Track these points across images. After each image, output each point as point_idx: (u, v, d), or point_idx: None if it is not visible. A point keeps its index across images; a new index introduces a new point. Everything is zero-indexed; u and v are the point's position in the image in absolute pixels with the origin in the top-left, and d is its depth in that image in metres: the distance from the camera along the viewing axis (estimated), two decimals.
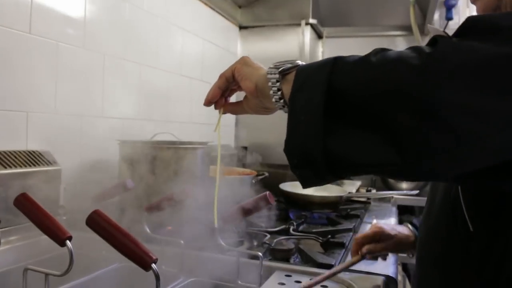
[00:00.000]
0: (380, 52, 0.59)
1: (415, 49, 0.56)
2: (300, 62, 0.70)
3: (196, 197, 1.19)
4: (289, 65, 0.70)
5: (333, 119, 0.59)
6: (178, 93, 2.20)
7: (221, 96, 0.86)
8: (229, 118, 2.83)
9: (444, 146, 0.53)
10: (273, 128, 2.80)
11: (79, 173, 1.50)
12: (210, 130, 2.52)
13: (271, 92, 0.71)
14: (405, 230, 1.20)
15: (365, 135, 0.58)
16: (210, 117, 2.51)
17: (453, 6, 2.98)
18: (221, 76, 0.84)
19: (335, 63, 0.61)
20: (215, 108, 0.89)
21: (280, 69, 0.70)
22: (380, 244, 1.15)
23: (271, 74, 0.71)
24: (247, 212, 1.05)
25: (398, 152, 0.55)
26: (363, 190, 2.43)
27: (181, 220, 1.25)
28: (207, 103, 0.88)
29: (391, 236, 1.15)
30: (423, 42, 2.94)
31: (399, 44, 3.07)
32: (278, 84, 0.70)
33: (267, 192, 1.03)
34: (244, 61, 0.81)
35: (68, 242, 0.77)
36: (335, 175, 0.63)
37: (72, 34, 1.51)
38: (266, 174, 1.94)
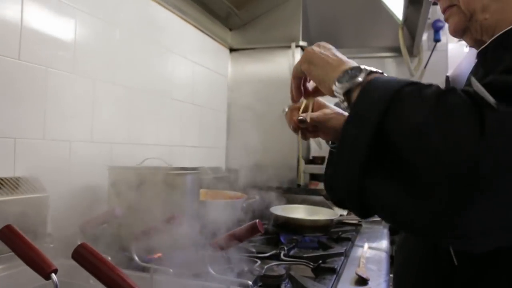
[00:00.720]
0: (441, 99, 0.57)
1: (469, 114, 0.54)
2: (365, 71, 0.71)
3: (186, 224, 1.18)
4: (356, 81, 0.71)
5: (375, 161, 0.60)
6: (168, 117, 2.19)
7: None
8: (220, 139, 2.83)
9: (473, 228, 0.54)
10: (264, 149, 2.81)
11: (68, 199, 1.49)
12: (201, 154, 2.52)
13: (342, 107, 0.75)
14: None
15: (399, 190, 0.57)
16: (201, 140, 2.51)
17: (440, 28, 3.03)
18: (294, 77, 0.92)
19: (393, 99, 0.60)
20: (304, 98, 0.97)
21: (344, 91, 0.72)
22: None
23: (337, 92, 0.74)
24: (236, 240, 1.04)
25: (428, 217, 0.55)
26: None
27: (170, 247, 1.24)
28: (295, 102, 0.97)
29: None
30: (412, 63, 2.97)
31: (388, 65, 3.10)
32: (345, 103, 0.73)
33: (257, 221, 1.03)
34: (309, 59, 0.84)
35: (53, 275, 0.75)
36: (368, 216, 0.67)
37: (62, 59, 1.51)
38: (257, 197, 1.93)
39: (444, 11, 0.87)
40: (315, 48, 0.85)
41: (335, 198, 0.67)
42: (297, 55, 2.84)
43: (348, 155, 0.62)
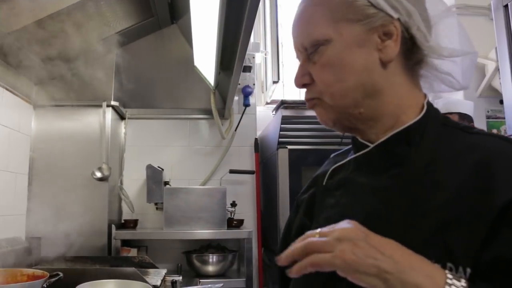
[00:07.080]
0: None
1: None
2: None
3: None
4: None
5: None
6: None
7: None
8: (20, 206, 2.53)
9: None
10: (72, 214, 2.59)
11: None
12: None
13: None
14: None
15: None
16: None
17: (250, 93, 3.23)
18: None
19: None
20: None
21: None
22: None
23: None
24: None
25: None
26: (169, 278, 2.36)
27: None
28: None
29: None
30: (223, 126, 3.09)
31: (201, 127, 3.18)
32: None
33: None
34: (354, 269, 0.64)
35: None
36: None
37: None
38: (61, 274, 1.74)
39: (307, 100, 0.85)
40: (355, 250, 0.65)
41: None
42: (108, 113, 2.74)
43: None
